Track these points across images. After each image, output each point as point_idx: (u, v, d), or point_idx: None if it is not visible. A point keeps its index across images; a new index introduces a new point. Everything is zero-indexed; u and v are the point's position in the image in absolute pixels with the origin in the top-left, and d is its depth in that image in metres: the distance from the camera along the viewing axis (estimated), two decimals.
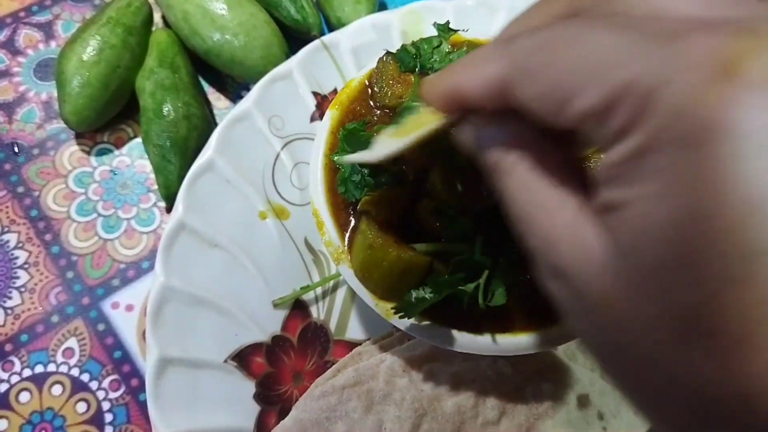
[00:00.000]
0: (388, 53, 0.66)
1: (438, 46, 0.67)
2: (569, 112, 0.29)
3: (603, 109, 0.28)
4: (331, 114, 0.65)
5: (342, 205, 0.61)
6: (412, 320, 0.56)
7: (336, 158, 0.60)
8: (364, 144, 0.56)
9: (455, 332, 0.56)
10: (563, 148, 0.35)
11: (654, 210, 0.26)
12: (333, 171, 0.62)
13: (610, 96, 0.27)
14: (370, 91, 0.66)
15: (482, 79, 0.35)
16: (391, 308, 0.55)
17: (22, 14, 0.91)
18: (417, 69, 0.65)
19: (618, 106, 0.27)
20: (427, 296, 0.52)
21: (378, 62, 0.66)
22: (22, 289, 0.74)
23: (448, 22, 0.68)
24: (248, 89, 0.78)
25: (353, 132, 0.58)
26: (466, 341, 0.57)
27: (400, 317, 0.54)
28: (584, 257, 0.30)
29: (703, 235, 0.24)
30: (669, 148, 0.25)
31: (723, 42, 0.24)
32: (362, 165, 0.59)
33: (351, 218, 0.60)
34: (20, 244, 0.76)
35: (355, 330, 0.71)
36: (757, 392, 0.24)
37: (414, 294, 0.52)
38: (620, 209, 0.28)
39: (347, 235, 0.59)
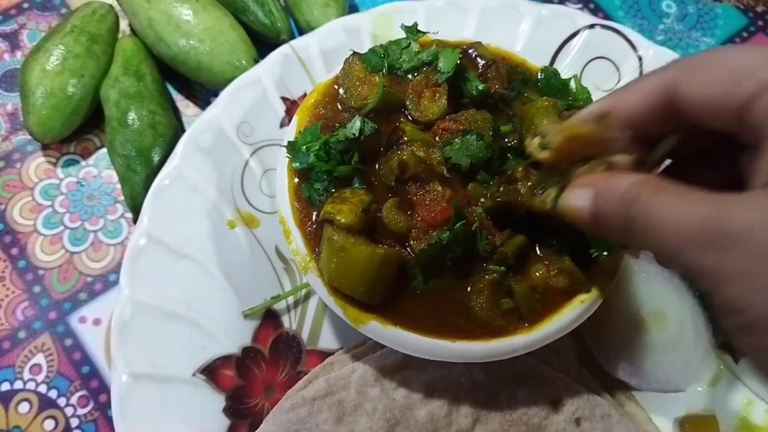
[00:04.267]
0: (354, 54, 0.65)
1: (407, 47, 0.66)
2: (739, 92, 0.37)
3: None
4: (298, 119, 0.64)
5: (309, 213, 0.59)
6: (381, 329, 0.55)
7: None
8: (305, 155, 0.57)
9: (427, 340, 0.55)
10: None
11: None
12: (300, 179, 0.60)
13: None
14: (337, 93, 0.65)
15: (646, 89, 0.43)
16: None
17: None
18: (384, 70, 0.64)
19: None
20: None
21: (344, 63, 0.65)
22: None
23: (416, 24, 0.67)
24: (218, 96, 0.77)
25: (294, 145, 0.59)
26: (437, 348, 0.55)
27: None
28: None
29: None
30: None
31: None
32: (328, 171, 0.58)
33: (315, 225, 0.59)
34: None
35: (328, 339, 0.70)
36: None
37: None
38: None
39: (313, 245, 0.58)
